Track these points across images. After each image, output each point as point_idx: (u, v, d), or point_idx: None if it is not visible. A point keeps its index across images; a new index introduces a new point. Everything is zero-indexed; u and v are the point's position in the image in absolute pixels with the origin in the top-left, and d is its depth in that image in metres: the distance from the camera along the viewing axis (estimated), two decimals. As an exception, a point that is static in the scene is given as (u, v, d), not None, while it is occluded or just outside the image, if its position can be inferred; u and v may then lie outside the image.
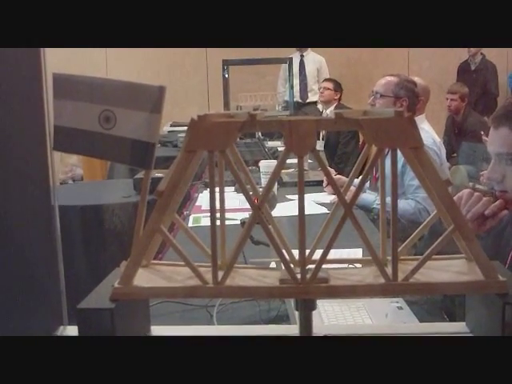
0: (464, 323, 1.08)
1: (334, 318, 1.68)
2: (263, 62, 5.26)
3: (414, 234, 1.04)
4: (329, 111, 6.12)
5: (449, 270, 0.98)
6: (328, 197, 3.15)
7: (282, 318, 1.60)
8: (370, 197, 3.10)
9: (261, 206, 0.92)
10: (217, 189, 0.97)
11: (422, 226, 1.04)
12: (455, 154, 5.70)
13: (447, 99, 6.13)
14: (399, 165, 2.72)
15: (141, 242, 0.94)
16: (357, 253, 2.10)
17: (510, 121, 1.58)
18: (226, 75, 4.86)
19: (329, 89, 6.24)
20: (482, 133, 4.94)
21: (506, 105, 1.65)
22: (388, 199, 0.95)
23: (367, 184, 3.32)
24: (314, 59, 7.19)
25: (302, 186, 0.91)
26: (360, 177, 0.97)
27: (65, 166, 6.82)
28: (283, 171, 3.53)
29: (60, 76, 0.96)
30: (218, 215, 0.96)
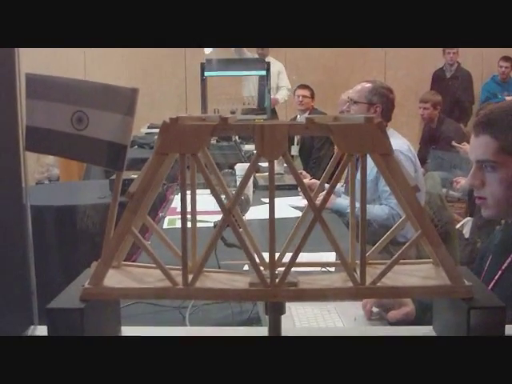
0: (431, 327, 1.09)
1: (306, 320, 1.69)
2: (240, 68, 5.23)
3: (383, 238, 1.05)
4: (303, 117, 6.12)
5: (416, 274, 1.00)
6: (303, 200, 3.16)
7: (253, 321, 1.61)
8: (344, 201, 3.12)
9: (231, 209, 0.93)
10: (189, 191, 0.98)
11: (390, 230, 1.05)
12: (429, 161, 5.76)
13: (420, 108, 6.18)
14: (374, 170, 2.74)
15: (111, 243, 0.94)
16: (331, 256, 2.12)
17: (490, 128, 1.60)
18: (204, 77, 4.85)
19: (306, 96, 6.26)
20: (453, 142, 5.00)
21: (486, 112, 1.67)
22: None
23: (342, 188, 3.34)
24: (274, 65, 7.10)
25: (273, 190, 0.92)
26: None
27: (41, 165, 6.78)
28: (259, 174, 3.54)
29: (33, 76, 0.96)
30: (189, 217, 0.96)
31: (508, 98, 6.53)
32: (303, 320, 1.70)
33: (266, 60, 6.88)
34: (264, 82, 6.13)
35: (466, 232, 3.56)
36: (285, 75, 7.10)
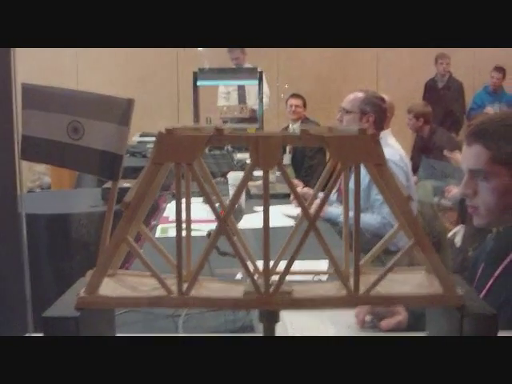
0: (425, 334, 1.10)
1: (299, 328, 1.69)
2: (233, 77, 5.24)
3: (376, 247, 1.06)
4: (295, 126, 6.14)
5: (409, 282, 1.01)
6: (296, 209, 3.17)
7: (247, 329, 1.62)
8: (336, 210, 3.13)
9: (226, 218, 0.94)
10: (184, 200, 0.99)
11: (383, 239, 1.06)
12: (420, 170, 5.78)
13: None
14: (366, 179, 2.75)
15: (107, 252, 0.95)
16: (323, 264, 2.12)
17: (482, 138, 1.62)
18: (197, 86, 4.85)
19: (299, 106, 6.28)
20: (445, 151, 5.02)
21: (479, 123, 1.69)
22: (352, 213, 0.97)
23: (335, 197, 3.35)
24: None
25: (267, 200, 0.93)
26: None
27: (32, 174, 6.77)
28: (251, 183, 3.55)
29: (29, 86, 0.97)
30: (184, 226, 0.97)
31: (489, 109, 6.52)
32: (296, 328, 1.70)
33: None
34: (244, 92, 6.04)
35: (458, 241, 3.57)
36: (265, 82, 7.06)
